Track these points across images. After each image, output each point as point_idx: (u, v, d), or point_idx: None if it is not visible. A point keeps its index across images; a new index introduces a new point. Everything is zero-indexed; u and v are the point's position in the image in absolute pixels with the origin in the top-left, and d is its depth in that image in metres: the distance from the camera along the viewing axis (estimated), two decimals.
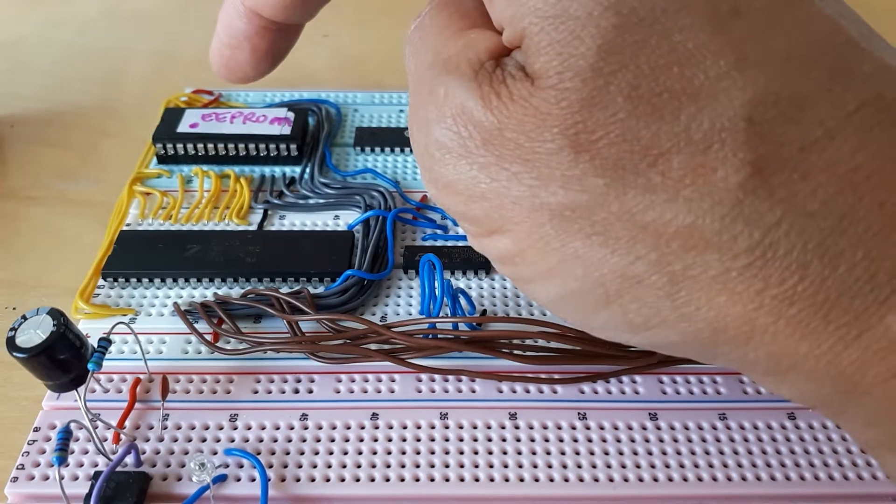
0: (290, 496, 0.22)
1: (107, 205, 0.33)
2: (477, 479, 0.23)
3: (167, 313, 0.28)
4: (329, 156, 0.35)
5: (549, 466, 0.23)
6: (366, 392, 0.25)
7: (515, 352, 0.26)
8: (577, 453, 0.24)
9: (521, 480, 0.23)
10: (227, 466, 0.23)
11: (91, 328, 0.27)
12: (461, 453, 0.24)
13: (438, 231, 0.32)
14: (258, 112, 0.35)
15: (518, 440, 0.24)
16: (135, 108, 0.41)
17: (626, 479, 0.23)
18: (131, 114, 0.40)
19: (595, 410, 0.25)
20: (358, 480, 0.23)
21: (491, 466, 0.23)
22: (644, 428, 0.24)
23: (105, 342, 0.23)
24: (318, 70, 0.44)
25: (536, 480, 0.23)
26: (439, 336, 0.26)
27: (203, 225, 0.32)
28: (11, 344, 0.21)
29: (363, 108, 0.39)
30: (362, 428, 0.24)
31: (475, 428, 0.24)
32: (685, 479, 0.23)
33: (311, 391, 0.25)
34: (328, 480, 0.23)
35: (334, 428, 0.24)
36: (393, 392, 0.25)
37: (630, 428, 0.24)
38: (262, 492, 0.22)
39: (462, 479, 0.23)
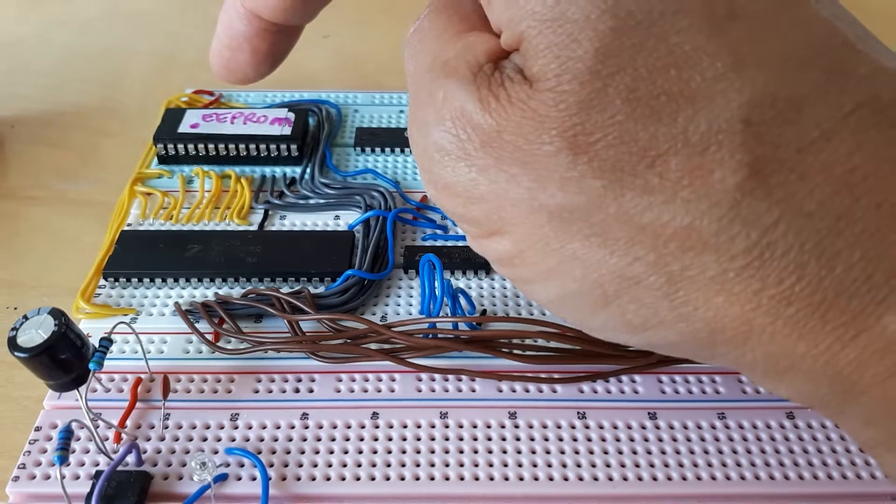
0: (290, 495, 0.23)
1: (107, 205, 0.33)
2: (477, 479, 0.23)
3: (168, 313, 0.28)
4: (329, 156, 0.35)
5: (549, 466, 0.23)
6: (366, 391, 0.25)
7: (515, 351, 0.26)
8: (577, 452, 0.24)
9: (521, 479, 0.23)
10: (227, 466, 0.23)
11: (92, 328, 0.27)
12: (461, 452, 0.24)
13: (438, 231, 0.32)
14: (259, 112, 0.35)
15: (518, 439, 0.24)
16: (135, 109, 0.41)
17: (625, 479, 0.23)
18: (132, 114, 0.40)
19: (594, 410, 0.25)
20: (358, 479, 0.23)
21: (491, 466, 0.23)
22: (643, 427, 0.24)
23: (106, 342, 0.23)
24: (318, 70, 0.44)
25: (536, 479, 0.23)
26: (439, 336, 0.26)
27: (204, 225, 0.32)
28: (13, 344, 0.21)
29: (363, 108, 0.39)
30: (362, 427, 0.24)
31: (475, 427, 0.24)
32: (684, 479, 0.23)
33: (311, 391, 0.25)
34: (329, 479, 0.23)
35: (335, 427, 0.24)
36: (393, 391, 0.25)
37: (629, 427, 0.24)
38: (263, 491, 0.22)
39: (462, 479, 0.23)
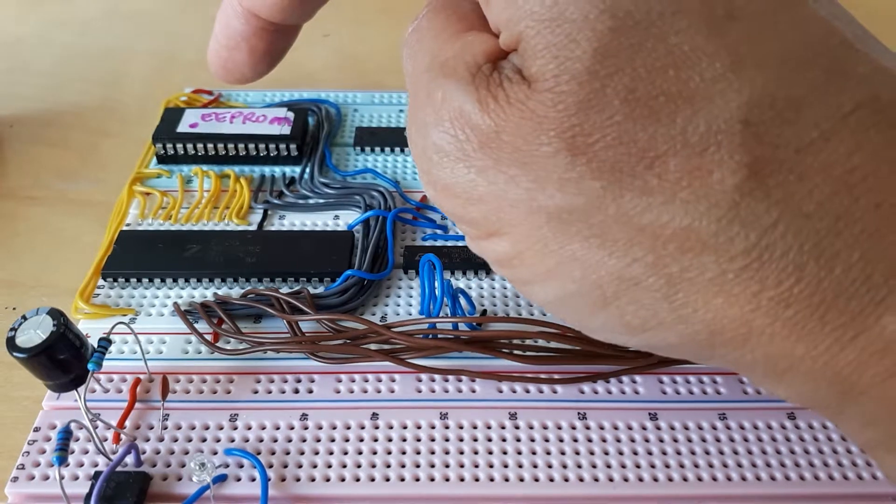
0: (290, 496, 0.22)
1: (107, 205, 0.33)
2: (477, 479, 0.23)
3: (167, 313, 0.28)
4: (329, 156, 0.35)
5: (549, 466, 0.23)
6: (366, 392, 0.25)
7: (515, 352, 0.26)
8: (577, 453, 0.24)
9: (521, 480, 0.23)
10: (227, 466, 0.23)
11: (91, 328, 0.27)
12: (461, 453, 0.24)
13: (438, 231, 0.32)
14: (258, 112, 0.35)
15: (518, 440, 0.24)
16: (135, 108, 0.41)
17: (626, 479, 0.23)
18: (131, 114, 0.40)
19: (595, 410, 0.25)
20: (358, 480, 0.23)
21: (491, 466, 0.23)
22: (644, 428, 0.24)
23: (105, 342, 0.23)
24: (317, 70, 0.44)
25: (536, 480, 0.23)
26: (439, 336, 0.26)
27: (203, 225, 0.32)
28: (11, 344, 0.21)
29: (363, 107, 0.39)
30: (362, 428, 0.24)
31: (475, 428, 0.24)
32: (685, 479, 0.23)
33: (311, 391, 0.25)
34: (328, 480, 0.23)
35: (334, 428, 0.24)
36: (393, 392, 0.25)
37: (630, 428, 0.24)
38: (263, 492, 0.22)
39: (462, 479, 0.23)
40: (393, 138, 0.36)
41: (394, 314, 0.28)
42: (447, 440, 0.24)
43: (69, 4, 0.50)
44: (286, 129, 0.34)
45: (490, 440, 0.24)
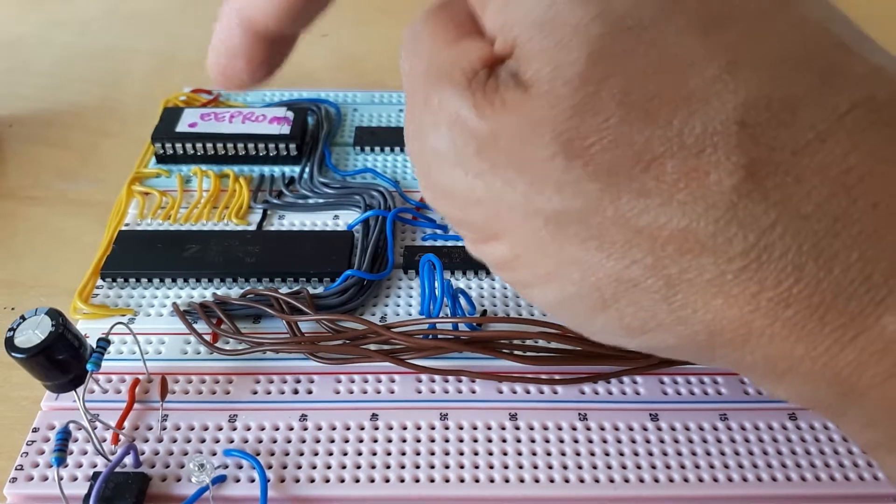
0: (289, 497, 0.22)
1: (106, 205, 0.33)
2: (477, 480, 0.23)
3: (166, 313, 0.28)
4: (328, 155, 0.35)
5: (550, 467, 0.23)
6: (365, 392, 0.25)
7: (515, 352, 0.26)
8: (578, 454, 0.24)
9: (522, 481, 0.23)
10: (226, 467, 0.23)
11: (90, 328, 0.27)
12: (461, 454, 0.24)
13: (438, 231, 0.32)
14: (257, 111, 0.35)
15: (518, 441, 0.24)
16: (134, 108, 0.41)
17: (626, 480, 0.23)
18: (131, 114, 0.40)
19: (595, 411, 0.25)
20: (358, 481, 0.23)
21: (491, 467, 0.23)
22: (645, 428, 0.24)
23: (104, 342, 0.23)
24: (317, 69, 0.44)
25: (537, 481, 0.23)
26: (439, 336, 0.26)
27: (202, 225, 0.32)
28: (10, 344, 0.21)
29: (363, 107, 0.39)
30: (362, 428, 0.24)
31: (475, 429, 0.24)
32: (686, 480, 0.23)
33: (310, 392, 0.25)
34: (328, 481, 0.23)
35: (334, 428, 0.24)
36: (393, 392, 0.25)
37: (631, 428, 0.24)
38: (262, 492, 0.22)
39: (462, 480, 0.23)
40: (393, 138, 0.36)
41: (393, 314, 0.28)
42: (447, 441, 0.24)
43: (69, 4, 0.50)
44: (286, 129, 0.34)
45: (490, 441, 0.24)
